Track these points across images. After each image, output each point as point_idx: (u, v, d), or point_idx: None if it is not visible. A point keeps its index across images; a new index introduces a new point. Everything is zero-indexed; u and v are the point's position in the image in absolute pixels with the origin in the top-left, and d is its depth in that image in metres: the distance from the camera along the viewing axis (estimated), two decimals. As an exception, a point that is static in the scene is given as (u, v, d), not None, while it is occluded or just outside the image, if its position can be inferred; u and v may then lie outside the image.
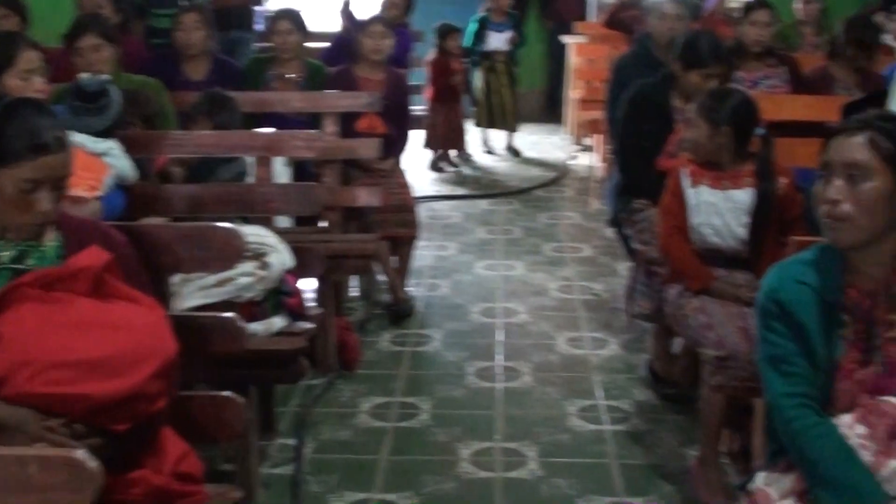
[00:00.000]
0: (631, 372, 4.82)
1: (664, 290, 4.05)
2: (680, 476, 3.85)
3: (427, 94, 8.96)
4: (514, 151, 9.64)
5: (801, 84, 5.62)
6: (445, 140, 9.07)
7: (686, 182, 3.90)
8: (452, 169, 9.10)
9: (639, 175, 4.61)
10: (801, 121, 4.87)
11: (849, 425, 2.27)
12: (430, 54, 8.92)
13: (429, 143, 9.01)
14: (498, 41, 9.17)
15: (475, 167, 9.13)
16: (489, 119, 9.39)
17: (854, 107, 3.79)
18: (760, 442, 2.83)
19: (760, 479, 2.41)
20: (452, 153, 9.22)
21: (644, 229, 4.49)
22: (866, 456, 2.23)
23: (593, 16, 10.49)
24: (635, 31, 7.25)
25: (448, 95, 8.96)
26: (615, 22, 8.28)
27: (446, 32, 8.85)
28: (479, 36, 9.16)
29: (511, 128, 9.54)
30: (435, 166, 9.06)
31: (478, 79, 9.29)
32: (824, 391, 2.33)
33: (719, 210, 3.84)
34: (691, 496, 3.70)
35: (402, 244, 5.68)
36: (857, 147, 2.31)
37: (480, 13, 9.25)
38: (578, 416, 4.39)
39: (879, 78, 5.50)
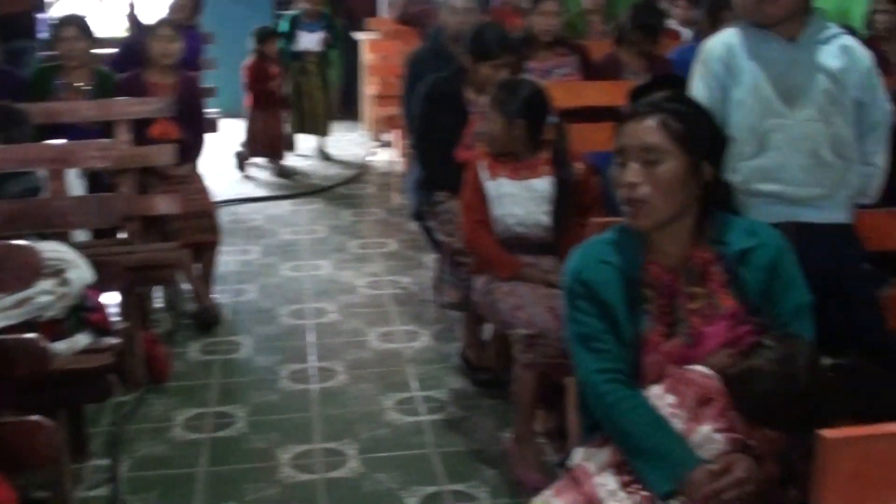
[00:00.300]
0: (444, 361, 4.87)
1: (472, 280, 4.11)
2: (499, 459, 3.93)
3: (246, 100, 8.71)
4: (325, 155, 9.38)
5: (592, 71, 5.78)
6: (265, 147, 8.79)
7: (484, 175, 3.96)
8: (266, 174, 8.86)
9: (438, 168, 4.67)
10: (594, 106, 5.02)
11: (659, 396, 2.35)
12: (248, 59, 8.65)
13: (249, 150, 8.80)
14: (309, 42, 8.87)
15: (282, 170, 8.89)
16: (300, 123, 9.10)
17: (641, 90, 3.92)
18: (574, 419, 2.90)
19: (578, 455, 2.47)
20: (265, 160, 8.93)
21: (447, 221, 4.55)
22: (677, 424, 2.31)
23: (384, 12, 10.53)
24: (427, 25, 7.32)
25: (267, 101, 8.67)
26: (406, 17, 8.36)
27: (265, 36, 8.58)
28: (290, 36, 8.83)
29: (323, 132, 9.26)
30: (244, 169, 8.84)
31: (287, 81, 8.93)
32: (633, 365, 2.40)
33: (520, 200, 3.92)
34: (511, 477, 3.77)
35: (204, 251, 5.57)
36: (649, 130, 2.38)
37: (292, 12, 9.01)
38: (396, 409, 4.41)
39: (666, 61, 5.72)
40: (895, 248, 3.23)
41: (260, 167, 8.95)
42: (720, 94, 2.93)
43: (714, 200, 2.47)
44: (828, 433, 1.60)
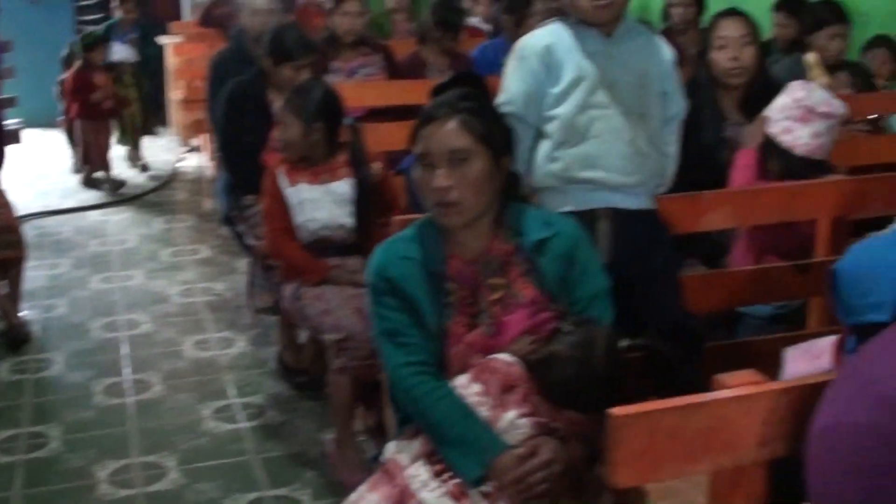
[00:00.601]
0: (261, 367, 4.84)
1: (280, 287, 4.10)
2: (320, 461, 3.93)
3: (71, 111, 8.35)
4: (143, 167, 9.03)
5: (396, 70, 5.83)
6: (94, 160, 8.43)
7: (284, 182, 3.95)
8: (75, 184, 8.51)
9: (244, 172, 4.63)
10: (399, 105, 5.06)
11: (464, 385, 2.40)
12: (74, 67, 8.26)
13: (89, 166, 8.46)
14: (122, 52, 8.66)
15: (114, 183, 8.49)
16: (121, 134, 8.84)
17: (442, 88, 3.99)
18: (391, 414, 2.93)
19: (391, 448, 2.50)
20: (101, 174, 8.53)
21: (256, 224, 4.52)
22: (483, 411, 2.37)
23: (188, 15, 10.35)
24: (230, 27, 7.23)
25: (93, 113, 8.30)
26: (209, 19, 8.23)
27: (92, 44, 8.22)
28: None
29: (136, 144, 9.01)
30: (90, 183, 8.47)
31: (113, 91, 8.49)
32: (439, 357, 2.45)
33: (322, 204, 3.93)
34: (333, 479, 3.77)
35: (9, 266, 5.36)
36: (453, 133, 2.43)
37: (110, 20, 8.70)
38: (214, 418, 4.35)
39: (468, 58, 5.81)
40: (692, 230, 3.38)
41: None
42: (537, 90, 2.99)
43: (511, 193, 2.54)
44: (616, 410, 1.67)
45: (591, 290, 2.52)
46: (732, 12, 4.01)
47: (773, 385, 1.75)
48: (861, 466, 1.45)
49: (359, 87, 5.04)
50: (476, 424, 2.35)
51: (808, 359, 2.15)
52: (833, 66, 5.34)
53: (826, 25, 5.35)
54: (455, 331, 2.45)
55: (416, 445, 2.44)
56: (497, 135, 2.51)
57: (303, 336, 4.60)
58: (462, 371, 2.44)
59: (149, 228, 7.28)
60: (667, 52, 3.11)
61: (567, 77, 2.94)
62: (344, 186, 3.95)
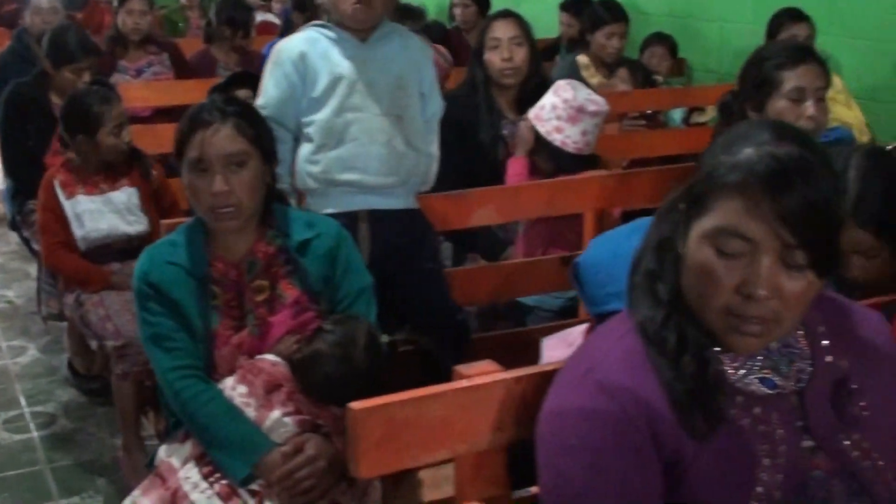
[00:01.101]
0: (53, 374, 4.74)
1: (64, 295, 4.05)
2: (112, 467, 3.88)
3: None
4: None
5: (186, 68, 5.78)
6: None
7: (61, 195, 3.89)
8: None
9: (26, 176, 4.55)
10: (186, 105, 5.02)
11: (232, 387, 2.45)
12: None
13: None
14: None
15: None
16: None
17: (220, 88, 4.01)
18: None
19: (162, 452, 2.53)
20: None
21: (40, 230, 4.43)
22: (250, 412, 2.42)
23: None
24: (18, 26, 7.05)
25: None
26: (-1, 17, 7.97)
27: None
28: None
29: None
30: None
31: None
32: (207, 360, 2.49)
33: (102, 215, 3.89)
34: (124, 485, 3.74)
35: None
36: (229, 138, 2.47)
37: None
38: (4, 428, 4.25)
39: (259, 55, 5.82)
40: (461, 227, 3.49)
41: None
42: (291, 94, 3.02)
43: (274, 195, 2.60)
44: (354, 404, 1.74)
45: (353, 287, 2.60)
46: (505, 13, 4.14)
47: (507, 374, 1.85)
48: (581, 446, 1.57)
49: (145, 86, 4.99)
50: (242, 425, 2.40)
51: (563, 347, 2.28)
52: (612, 64, 5.59)
53: (604, 24, 5.59)
54: (222, 333, 2.49)
55: (188, 448, 2.47)
56: (266, 137, 2.58)
57: (94, 342, 4.53)
58: (230, 373, 2.48)
59: (-64, 237, 7.01)
60: (424, 54, 3.20)
61: (323, 82, 2.99)
62: (122, 196, 3.92)
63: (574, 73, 5.48)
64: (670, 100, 5.57)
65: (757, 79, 2.98)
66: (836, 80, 5.05)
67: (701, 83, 6.09)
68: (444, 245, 4.12)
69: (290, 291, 2.54)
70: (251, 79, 3.86)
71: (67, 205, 3.89)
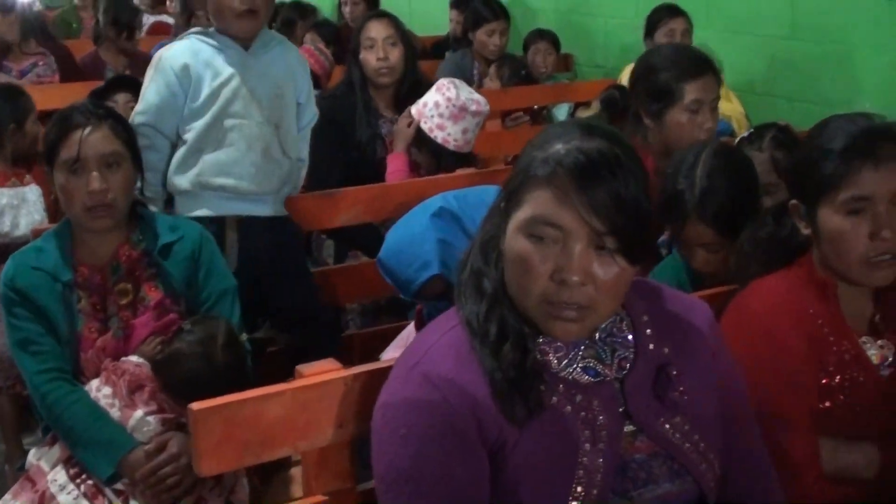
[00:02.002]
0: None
1: None
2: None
3: None
4: None
5: (72, 71, 5.74)
6: None
7: None
8: None
9: None
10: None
11: (97, 388, 2.51)
12: None
13: None
14: None
15: None
16: None
17: (99, 92, 4.03)
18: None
19: (32, 455, 2.58)
20: None
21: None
22: (114, 412, 2.49)
23: None
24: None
25: None
26: None
27: None
28: None
29: None
30: None
31: None
32: (74, 363, 2.54)
33: (18, 210, 3.88)
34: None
35: None
36: (106, 139, 2.55)
37: None
38: None
39: (147, 57, 5.78)
40: (331, 227, 3.56)
41: None
42: (172, 102, 3.05)
43: (138, 200, 2.67)
44: (195, 405, 1.81)
45: (216, 289, 2.67)
46: (380, 14, 4.21)
47: (345, 372, 1.93)
48: (409, 435, 1.66)
49: (30, 88, 4.94)
50: (106, 425, 2.46)
51: (399, 345, 2.37)
52: (494, 61, 5.70)
53: (485, 22, 5.70)
54: (87, 336, 2.55)
55: (56, 451, 2.53)
56: (135, 142, 2.67)
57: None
58: (96, 375, 2.54)
59: None
60: (301, 64, 3.27)
61: (206, 91, 3.03)
62: (32, 193, 3.89)
63: (462, 71, 5.60)
64: (554, 95, 5.68)
65: (655, 89, 3.03)
66: (715, 74, 5.22)
67: (587, 78, 6.21)
68: (326, 243, 4.20)
69: (153, 294, 2.60)
70: (131, 83, 3.88)
71: None
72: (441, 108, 3.76)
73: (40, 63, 5.62)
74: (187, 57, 3.06)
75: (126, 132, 2.63)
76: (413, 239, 2.28)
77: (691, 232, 2.51)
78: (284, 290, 3.17)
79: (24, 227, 3.85)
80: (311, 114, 3.34)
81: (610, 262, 1.64)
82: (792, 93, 5.13)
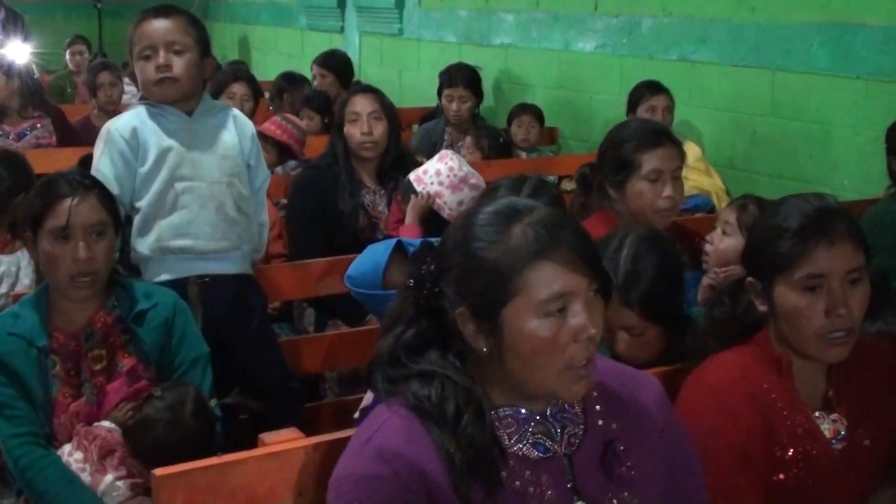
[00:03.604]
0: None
1: None
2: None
3: None
4: None
5: (68, 134, 5.83)
6: None
7: None
8: None
9: None
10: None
11: (69, 453, 2.56)
12: None
13: None
14: None
15: None
16: None
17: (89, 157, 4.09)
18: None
19: (0, 520, 2.61)
20: None
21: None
22: (86, 476, 2.53)
23: None
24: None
25: None
26: None
27: None
28: None
29: None
30: None
31: None
32: (47, 427, 2.59)
33: (7, 276, 3.93)
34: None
35: None
36: (93, 209, 2.63)
37: None
38: None
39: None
40: (306, 297, 3.61)
41: None
42: (125, 170, 3.11)
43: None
44: (158, 470, 1.86)
45: (189, 356, 2.73)
46: (365, 89, 4.29)
47: (306, 441, 1.97)
48: None
49: (29, 153, 5.02)
50: (77, 490, 2.50)
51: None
52: (460, 126, 5.88)
53: (446, 87, 5.92)
54: (61, 401, 2.60)
55: (21, 514, 2.56)
56: (118, 211, 2.75)
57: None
58: (69, 439, 2.58)
59: None
60: (248, 128, 3.34)
61: (152, 156, 3.10)
62: (24, 258, 3.93)
63: (431, 137, 5.76)
64: (538, 168, 5.73)
65: (617, 160, 3.12)
66: (696, 149, 5.31)
67: (572, 152, 6.31)
68: (307, 311, 4.24)
69: (126, 360, 2.66)
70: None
71: None
72: (441, 176, 3.82)
73: (38, 126, 5.70)
74: (134, 122, 3.13)
75: (111, 202, 2.72)
76: (373, 249, 2.63)
77: (614, 315, 2.52)
78: (249, 354, 3.22)
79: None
80: (263, 176, 3.40)
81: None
82: (772, 169, 5.22)
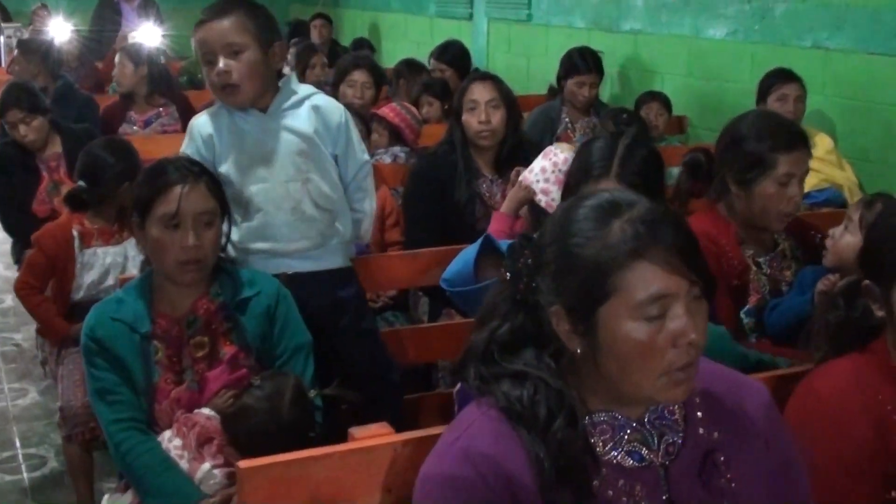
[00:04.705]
0: (50, 417, 4.83)
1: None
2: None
3: None
4: None
5: (193, 120, 5.93)
6: None
7: (77, 245, 3.99)
8: None
9: (21, 227, 4.72)
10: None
11: (168, 439, 2.58)
12: None
13: None
14: None
15: None
16: None
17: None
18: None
19: (105, 501, 2.65)
20: None
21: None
22: (183, 463, 2.54)
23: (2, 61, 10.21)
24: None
25: None
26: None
27: None
28: None
29: None
30: None
31: None
32: (148, 413, 2.61)
33: (115, 266, 3.99)
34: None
35: None
36: (202, 198, 2.64)
37: None
38: (-2, 468, 4.38)
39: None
40: (416, 286, 3.57)
41: None
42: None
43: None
44: (243, 463, 1.84)
45: (291, 345, 2.72)
46: (483, 76, 4.23)
47: (396, 437, 1.94)
48: None
49: (148, 139, 5.13)
50: (175, 476, 2.51)
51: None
52: (583, 109, 5.77)
53: (576, 73, 5.76)
54: (162, 387, 2.61)
55: (128, 497, 2.60)
56: (226, 198, 2.75)
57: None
58: (169, 426, 2.60)
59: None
60: (333, 117, 3.16)
61: (226, 157, 3.05)
62: (133, 246, 3.98)
63: (549, 119, 5.65)
64: (666, 157, 5.59)
65: (749, 157, 2.96)
66: (828, 141, 5.12)
67: (701, 141, 6.14)
68: (422, 300, 4.22)
69: (228, 348, 2.66)
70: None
71: (83, 255, 3.98)
72: (547, 172, 3.71)
73: (164, 113, 5.81)
74: (211, 123, 3.07)
75: (219, 189, 2.72)
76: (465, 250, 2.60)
77: None
78: (343, 347, 3.17)
79: (112, 284, 3.92)
80: (358, 164, 3.24)
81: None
82: (907, 161, 5.01)
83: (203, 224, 2.62)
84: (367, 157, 3.29)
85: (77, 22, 8.44)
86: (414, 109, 5.35)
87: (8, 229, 4.94)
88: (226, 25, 2.95)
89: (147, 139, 5.31)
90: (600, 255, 1.63)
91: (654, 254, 1.61)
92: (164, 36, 7.99)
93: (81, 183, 3.98)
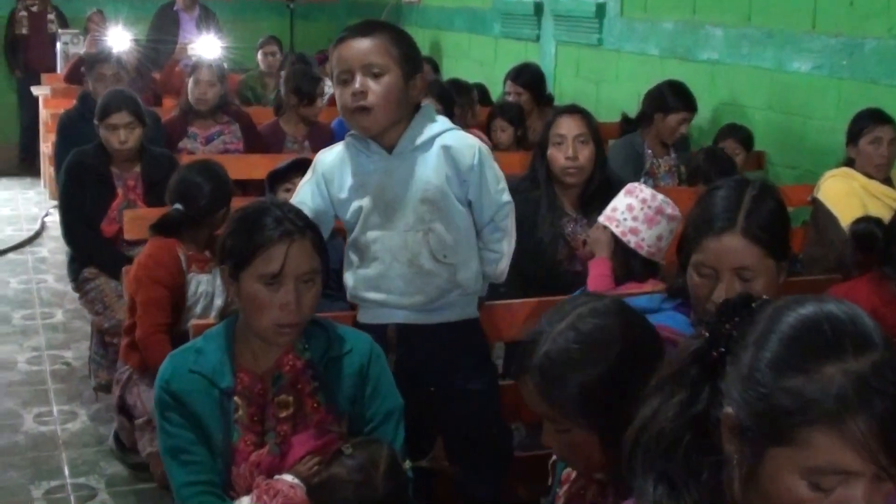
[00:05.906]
0: (100, 444, 4.68)
1: (119, 365, 3.99)
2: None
3: None
4: None
5: (256, 140, 5.77)
6: None
7: (185, 271, 3.85)
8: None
9: (84, 243, 4.55)
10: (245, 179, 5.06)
11: (247, 506, 2.36)
12: None
13: None
14: None
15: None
16: None
17: (277, 174, 3.96)
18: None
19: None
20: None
21: (95, 300, 4.42)
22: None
23: (60, 67, 10.15)
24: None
25: None
26: (75, 75, 8.00)
27: None
28: None
29: None
30: None
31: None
32: (224, 475, 2.40)
33: (216, 294, 3.83)
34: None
35: None
36: (308, 256, 2.41)
37: None
38: (45, 499, 4.20)
39: (326, 128, 5.77)
40: (511, 339, 3.34)
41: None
42: (324, 206, 2.89)
43: None
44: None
45: (382, 409, 2.50)
46: (572, 109, 4.01)
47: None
48: None
49: (222, 159, 4.97)
50: None
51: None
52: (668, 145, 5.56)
53: (676, 111, 5.52)
54: (242, 449, 2.41)
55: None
56: (326, 252, 2.51)
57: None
58: (247, 491, 2.39)
59: (5, 288, 7.03)
60: (466, 158, 2.87)
61: (350, 200, 2.86)
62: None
63: (634, 153, 5.42)
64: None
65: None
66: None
67: (779, 179, 5.90)
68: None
69: (314, 409, 2.45)
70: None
71: (193, 281, 3.84)
72: (635, 210, 3.47)
73: (226, 131, 5.67)
74: (337, 159, 2.89)
75: (321, 244, 2.48)
76: None
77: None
78: (454, 406, 2.94)
79: (214, 314, 3.70)
80: (494, 207, 2.96)
81: (881, 489, 1.39)
82: None
83: (304, 283, 2.40)
84: (506, 198, 2.99)
85: (135, 31, 8.34)
86: (484, 137, 5.13)
87: (70, 241, 4.76)
88: (368, 45, 2.74)
89: (207, 158, 5.14)
90: (796, 397, 1.39)
91: (852, 427, 1.36)
92: (223, 48, 7.87)
93: (178, 206, 3.81)
